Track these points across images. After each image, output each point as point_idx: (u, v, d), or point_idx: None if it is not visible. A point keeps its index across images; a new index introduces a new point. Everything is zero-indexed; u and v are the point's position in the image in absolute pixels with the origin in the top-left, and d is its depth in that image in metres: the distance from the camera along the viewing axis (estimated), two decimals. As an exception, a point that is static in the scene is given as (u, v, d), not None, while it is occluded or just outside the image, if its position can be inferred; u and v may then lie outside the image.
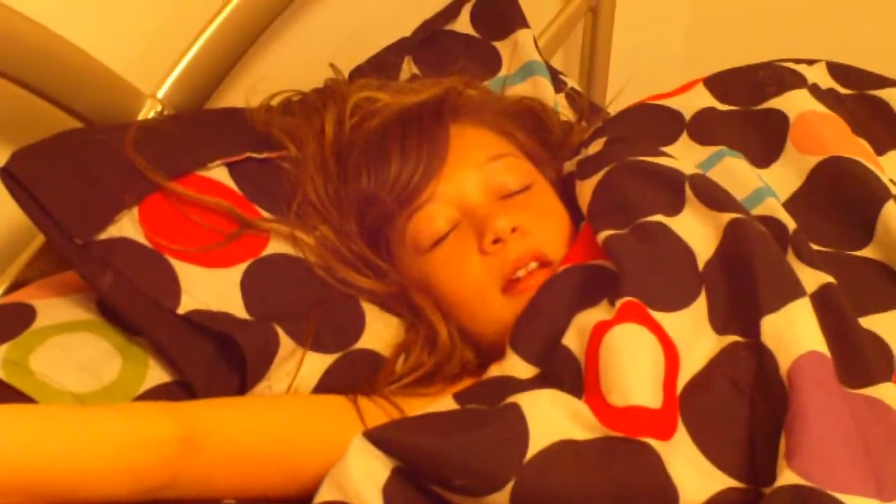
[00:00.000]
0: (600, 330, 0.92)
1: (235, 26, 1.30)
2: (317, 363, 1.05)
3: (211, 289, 1.04)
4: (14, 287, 1.12)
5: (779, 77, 1.21)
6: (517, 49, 1.57)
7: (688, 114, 1.23)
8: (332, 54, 1.40)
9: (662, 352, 0.91)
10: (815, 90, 1.19)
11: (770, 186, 1.09)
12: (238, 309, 1.04)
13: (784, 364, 0.85)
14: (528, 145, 1.25)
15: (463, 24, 1.63)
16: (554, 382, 0.93)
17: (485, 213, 1.11)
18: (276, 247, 1.11)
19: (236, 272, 1.07)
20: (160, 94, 1.23)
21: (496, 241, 1.10)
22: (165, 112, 1.23)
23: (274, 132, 1.20)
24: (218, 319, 1.01)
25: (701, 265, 0.99)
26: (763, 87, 1.20)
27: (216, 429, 0.91)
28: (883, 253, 1.02)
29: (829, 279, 0.95)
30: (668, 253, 0.99)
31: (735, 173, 1.10)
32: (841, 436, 0.81)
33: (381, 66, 1.46)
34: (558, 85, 1.57)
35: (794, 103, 1.16)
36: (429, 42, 1.58)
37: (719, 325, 0.95)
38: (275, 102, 1.28)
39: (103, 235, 1.01)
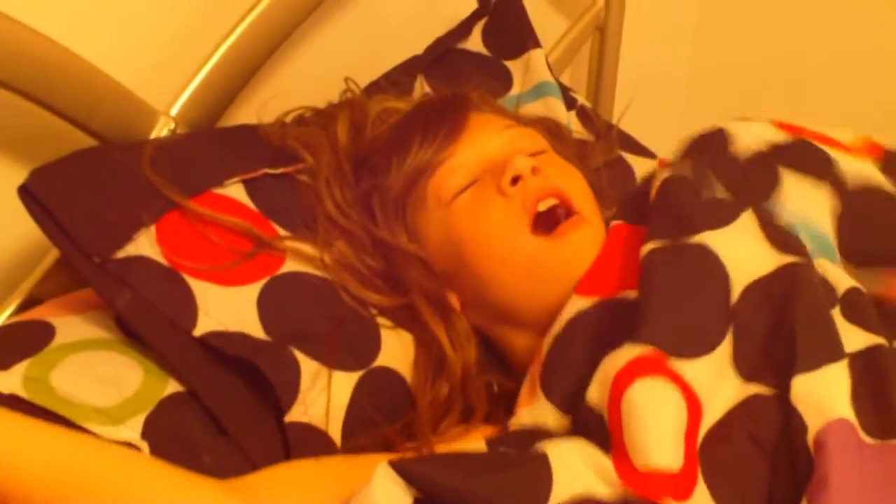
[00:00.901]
0: (620, 384, 0.89)
1: (248, 44, 1.30)
2: (344, 382, 1.06)
3: (228, 307, 1.04)
4: (29, 302, 1.12)
5: None
6: (529, 69, 1.56)
7: None
8: (344, 72, 1.38)
9: (685, 404, 0.89)
10: None
11: (828, 239, 1.08)
12: (255, 328, 1.04)
13: (813, 429, 0.84)
14: (550, 141, 1.25)
15: (475, 42, 1.63)
16: (583, 436, 0.92)
17: (506, 161, 1.12)
18: (292, 265, 1.11)
19: (253, 290, 1.07)
20: (173, 112, 1.24)
21: (515, 181, 1.10)
22: (178, 129, 1.23)
23: (288, 143, 1.21)
24: (236, 342, 1.01)
25: (736, 293, 0.96)
26: None
27: None
28: None
29: (880, 341, 0.93)
30: (702, 285, 0.96)
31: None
32: None
33: (394, 84, 1.46)
34: (569, 103, 1.57)
35: None
36: (441, 60, 1.58)
37: (746, 370, 0.93)
38: (289, 119, 1.28)
39: (121, 254, 1.01)
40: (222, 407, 0.99)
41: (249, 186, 1.14)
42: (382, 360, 1.10)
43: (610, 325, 1.01)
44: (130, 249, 1.02)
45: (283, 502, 0.93)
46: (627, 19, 1.98)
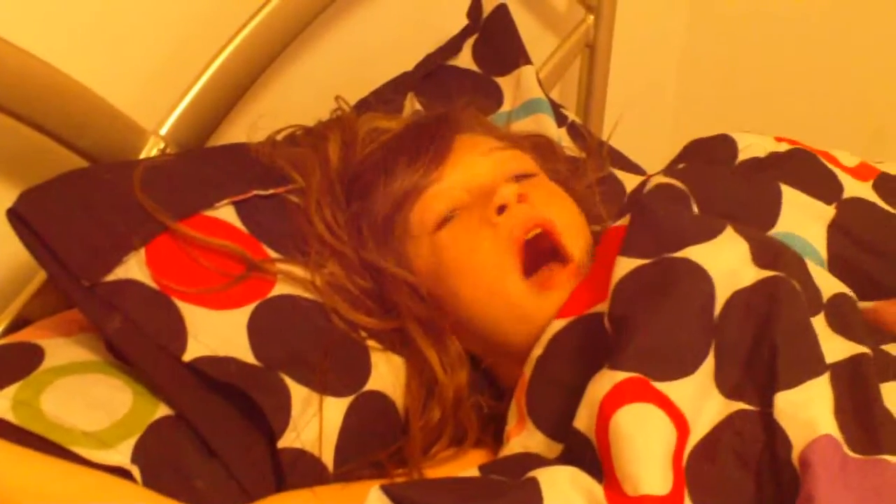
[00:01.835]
0: (607, 410, 0.88)
1: (238, 63, 1.30)
2: (335, 407, 1.05)
3: (217, 332, 1.03)
4: (17, 323, 1.12)
5: None
6: (520, 86, 1.56)
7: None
8: (334, 89, 1.37)
9: (672, 425, 0.88)
10: None
11: (814, 245, 1.09)
12: (244, 352, 1.03)
13: (797, 446, 0.84)
14: (539, 161, 1.25)
15: (465, 59, 1.62)
16: (575, 462, 0.91)
17: (492, 187, 1.11)
18: (282, 288, 1.10)
19: (243, 314, 1.06)
20: (163, 131, 1.23)
21: (501, 210, 1.09)
22: (168, 149, 1.23)
23: (278, 163, 1.19)
24: (226, 368, 1.00)
25: (719, 305, 0.95)
26: None
27: None
28: None
29: (863, 350, 0.93)
30: (685, 303, 0.95)
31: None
32: None
33: (384, 102, 1.45)
34: (560, 119, 1.56)
35: None
36: (431, 77, 1.57)
37: (728, 387, 0.92)
38: (280, 137, 1.27)
39: (110, 277, 1.00)
40: (213, 432, 0.98)
41: (240, 208, 1.13)
42: (373, 383, 1.09)
43: (589, 342, 1.01)
44: (120, 273, 1.01)
45: None
46: (617, 37, 1.98)
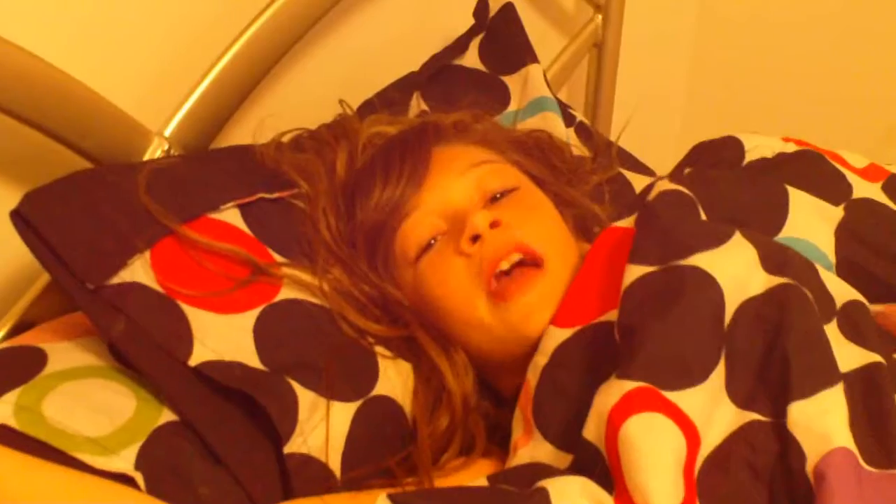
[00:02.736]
0: (615, 420, 0.87)
1: (243, 64, 1.29)
2: (342, 412, 1.04)
3: (223, 336, 1.02)
4: (19, 326, 1.10)
5: None
6: (527, 85, 1.55)
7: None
8: (340, 89, 1.39)
9: (683, 436, 0.87)
10: None
11: (822, 249, 1.08)
12: (251, 357, 1.02)
13: (812, 459, 0.83)
14: (529, 167, 1.24)
15: (471, 58, 1.63)
16: (585, 473, 0.90)
17: (465, 213, 1.10)
18: (288, 292, 1.10)
19: (249, 318, 1.05)
20: (167, 133, 1.22)
21: (475, 239, 1.08)
22: (172, 150, 1.22)
23: (284, 168, 1.19)
24: (232, 373, 1.00)
25: (729, 314, 0.94)
26: None
27: None
28: None
29: (877, 359, 0.92)
30: (694, 311, 0.93)
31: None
32: None
33: (390, 102, 1.45)
34: (568, 119, 1.55)
35: None
36: (437, 77, 1.57)
37: (740, 397, 0.91)
38: (285, 140, 1.27)
39: (115, 280, 0.99)
40: (219, 438, 0.97)
41: (245, 211, 1.13)
42: (381, 389, 1.09)
43: (596, 351, 0.99)
44: (124, 276, 1.00)
45: None
46: (625, 36, 1.98)
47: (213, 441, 0.96)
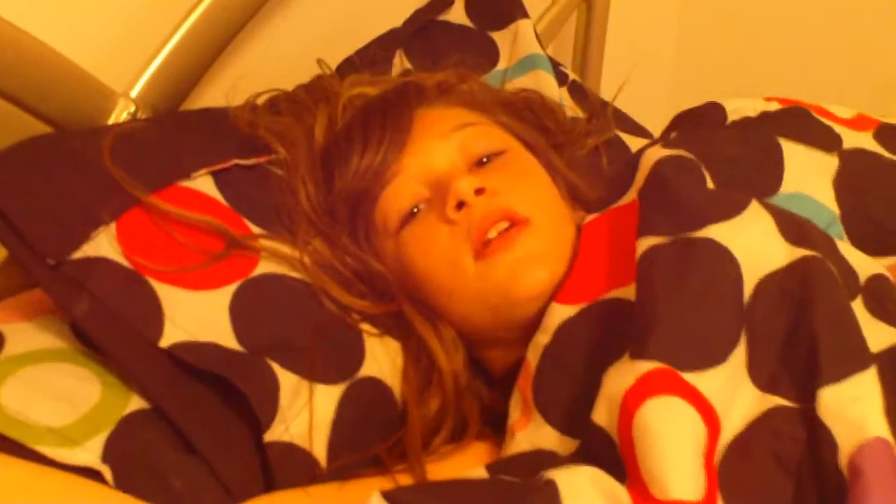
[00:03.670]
0: (630, 404, 0.82)
1: (214, 20, 1.26)
2: (327, 395, 1.00)
3: (197, 315, 0.98)
4: (-26, 306, 1.07)
5: None
6: (517, 41, 1.53)
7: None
8: (318, 48, 1.36)
9: (703, 421, 0.82)
10: None
11: (824, 204, 1.06)
12: (227, 337, 0.98)
13: (845, 449, 0.78)
14: (518, 130, 1.20)
15: (457, 13, 1.59)
16: (593, 460, 0.85)
17: (449, 180, 1.06)
18: (266, 266, 1.06)
19: (224, 295, 1.01)
20: (133, 94, 1.19)
21: (460, 206, 1.04)
22: (140, 113, 1.19)
23: (261, 133, 1.15)
24: (206, 354, 0.95)
25: (749, 290, 0.89)
26: None
27: None
28: None
29: None
30: (711, 286, 0.89)
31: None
32: None
33: (372, 61, 1.42)
34: (561, 78, 1.53)
35: None
36: (421, 34, 1.53)
37: (762, 379, 0.86)
38: (260, 101, 1.23)
39: (77, 255, 0.95)
40: (193, 426, 0.92)
41: (219, 178, 1.09)
42: (368, 369, 1.05)
43: (604, 330, 0.95)
44: (88, 250, 0.95)
45: None
46: None
47: (186, 430, 0.92)
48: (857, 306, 0.91)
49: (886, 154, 1.17)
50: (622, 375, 0.84)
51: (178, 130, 1.14)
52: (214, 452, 0.92)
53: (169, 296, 0.97)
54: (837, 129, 1.18)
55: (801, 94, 1.28)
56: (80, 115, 1.13)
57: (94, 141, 1.03)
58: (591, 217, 1.05)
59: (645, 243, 0.92)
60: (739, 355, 0.86)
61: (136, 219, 1.00)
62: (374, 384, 1.05)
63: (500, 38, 1.55)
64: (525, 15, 1.56)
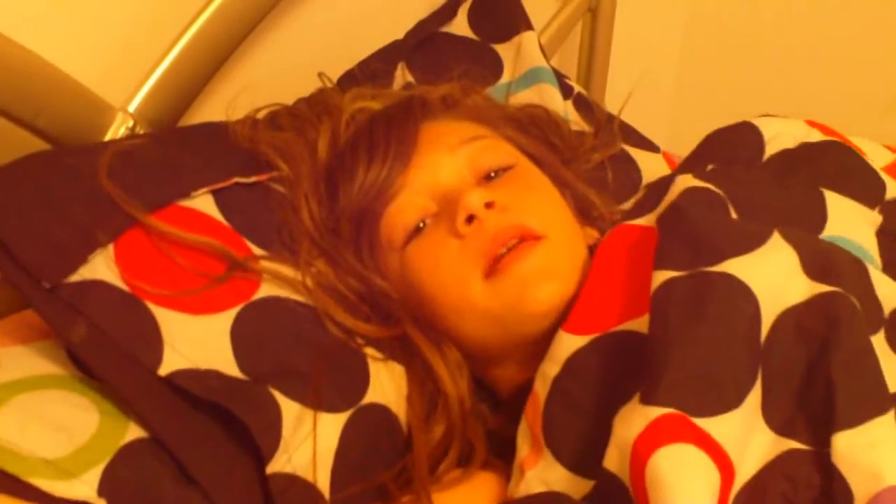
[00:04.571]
0: (642, 451, 0.79)
1: (212, 33, 1.25)
2: (330, 424, 0.98)
3: (197, 340, 0.96)
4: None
5: None
6: (521, 53, 1.52)
7: None
8: (319, 60, 1.37)
9: (716, 468, 0.79)
10: None
11: (868, 251, 1.02)
12: (228, 364, 0.96)
13: (860, 498, 0.75)
14: (525, 144, 1.19)
15: (460, 25, 1.58)
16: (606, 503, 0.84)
17: (458, 194, 1.05)
18: (268, 289, 1.04)
19: (226, 319, 0.99)
20: (131, 108, 1.18)
21: (470, 220, 1.03)
22: (138, 128, 1.17)
23: (262, 149, 1.14)
24: (207, 383, 0.93)
25: (766, 327, 0.86)
26: None
27: None
28: None
29: None
30: (726, 325, 0.86)
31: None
32: None
33: (373, 74, 1.41)
34: (565, 91, 1.52)
35: None
36: (423, 46, 1.52)
37: (778, 422, 0.83)
38: (260, 116, 1.22)
39: (74, 278, 0.93)
40: (193, 456, 0.90)
41: (219, 197, 1.07)
42: (372, 396, 1.03)
43: (616, 363, 0.93)
44: (85, 273, 0.93)
45: None
46: (620, 1, 1.97)
47: (186, 460, 0.89)
48: (879, 340, 0.88)
49: None
50: (632, 421, 0.82)
51: (178, 147, 1.12)
52: (215, 484, 0.90)
53: (168, 321, 0.95)
54: (881, 174, 1.15)
55: (806, 108, 1.27)
56: (77, 131, 1.12)
57: (91, 158, 1.01)
58: (606, 237, 1.03)
59: (661, 276, 0.90)
60: (755, 397, 0.84)
61: (135, 240, 0.98)
62: (380, 411, 1.03)
63: (503, 50, 1.54)
64: (529, 27, 1.54)
